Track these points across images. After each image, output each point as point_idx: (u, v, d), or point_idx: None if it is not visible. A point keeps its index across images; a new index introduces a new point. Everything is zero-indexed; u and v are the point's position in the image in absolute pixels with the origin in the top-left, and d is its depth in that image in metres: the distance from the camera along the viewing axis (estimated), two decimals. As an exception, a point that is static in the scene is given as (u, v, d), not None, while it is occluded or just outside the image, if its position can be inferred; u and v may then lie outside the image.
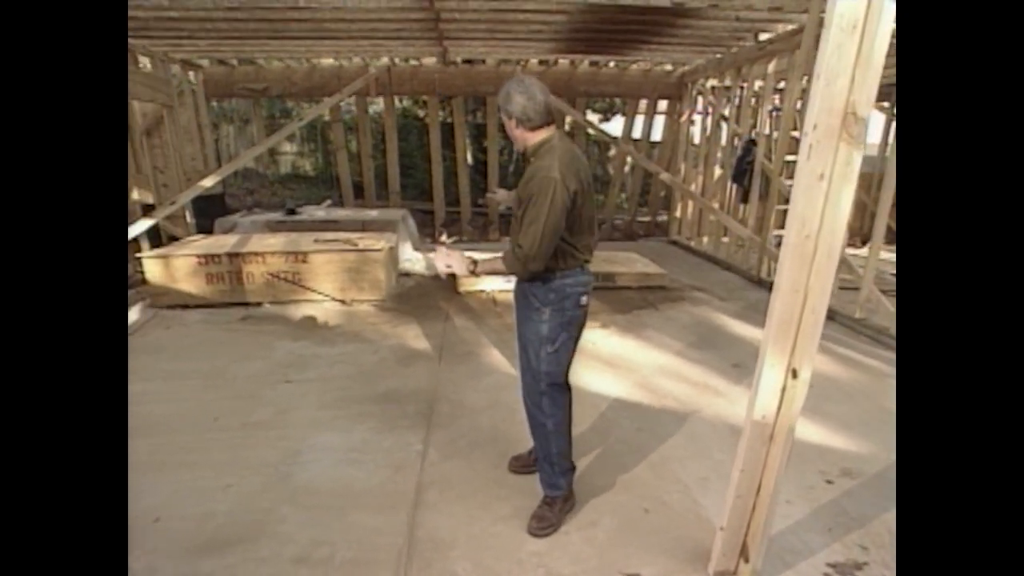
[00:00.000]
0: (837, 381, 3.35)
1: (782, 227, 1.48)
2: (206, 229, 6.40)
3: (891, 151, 6.37)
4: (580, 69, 7.99)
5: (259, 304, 4.78)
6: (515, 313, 2.06)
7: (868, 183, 7.59)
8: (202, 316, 4.52)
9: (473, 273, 1.96)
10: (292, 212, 6.76)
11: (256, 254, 4.73)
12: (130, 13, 4.88)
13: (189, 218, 6.67)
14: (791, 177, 4.87)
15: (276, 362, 3.58)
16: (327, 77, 7.68)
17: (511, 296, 2.12)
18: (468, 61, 7.83)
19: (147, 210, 5.59)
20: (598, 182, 11.27)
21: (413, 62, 7.78)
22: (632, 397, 3.14)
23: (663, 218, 9.15)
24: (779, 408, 1.55)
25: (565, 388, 2.05)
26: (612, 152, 11.35)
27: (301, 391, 3.17)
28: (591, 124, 8.19)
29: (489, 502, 2.19)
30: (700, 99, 7.69)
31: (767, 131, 6.09)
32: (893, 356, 3.73)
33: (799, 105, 5.26)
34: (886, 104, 7.57)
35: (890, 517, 2.12)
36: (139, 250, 5.30)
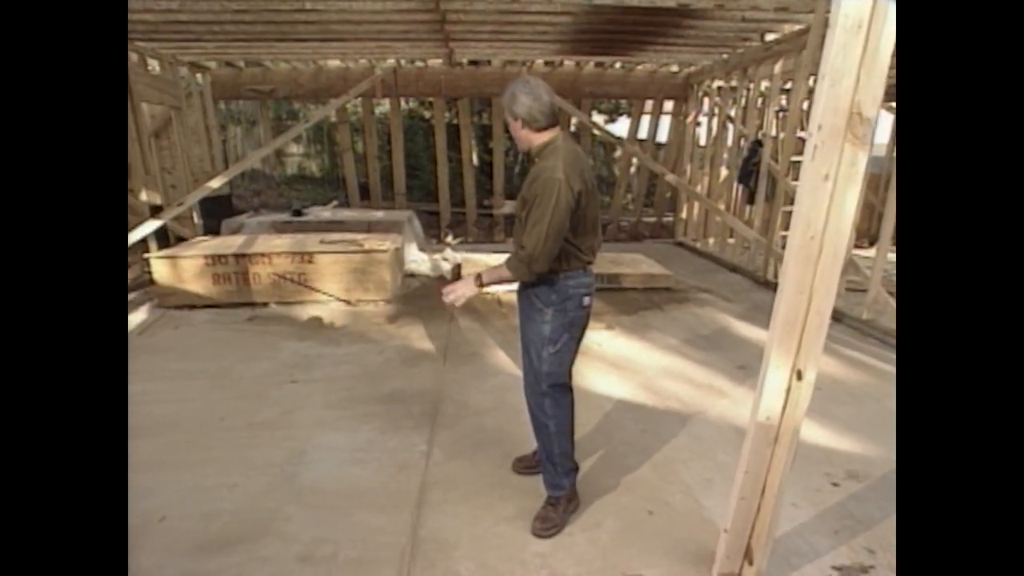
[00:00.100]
0: (844, 383, 3.33)
1: (788, 228, 1.47)
2: (213, 230, 6.45)
3: (899, 152, 6.32)
4: (585, 70, 7.99)
5: (265, 304, 4.80)
6: (518, 314, 2.06)
7: (876, 184, 7.54)
8: (209, 316, 4.55)
9: (481, 286, 1.95)
10: (298, 213, 6.80)
11: (262, 255, 4.76)
12: (140, 17, 4.94)
13: (196, 219, 6.72)
14: (797, 178, 4.85)
15: (282, 362, 3.60)
16: (333, 79, 7.73)
17: (516, 297, 2.12)
18: (474, 62, 7.85)
19: (155, 211, 5.64)
20: (603, 183, 11.26)
21: (419, 63, 7.81)
22: (636, 398, 3.13)
23: (669, 219, 9.13)
24: (784, 410, 1.54)
25: (567, 389, 2.05)
26: (618, 153, 11.34)
27: (307, 391, 3.18)
28: (596, 125, 8.20)
29: (493, 502, 2.19)
30: (706, 100, 7.67)
31: (773, 132, 6.06)
32: (900, 358, 3.70)
33: (805, 105, 5.24)
34: (894, 104, 7.52)
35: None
36: (147, 250, 5.35)
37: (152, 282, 4.76)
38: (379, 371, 3.46)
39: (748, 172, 6.18)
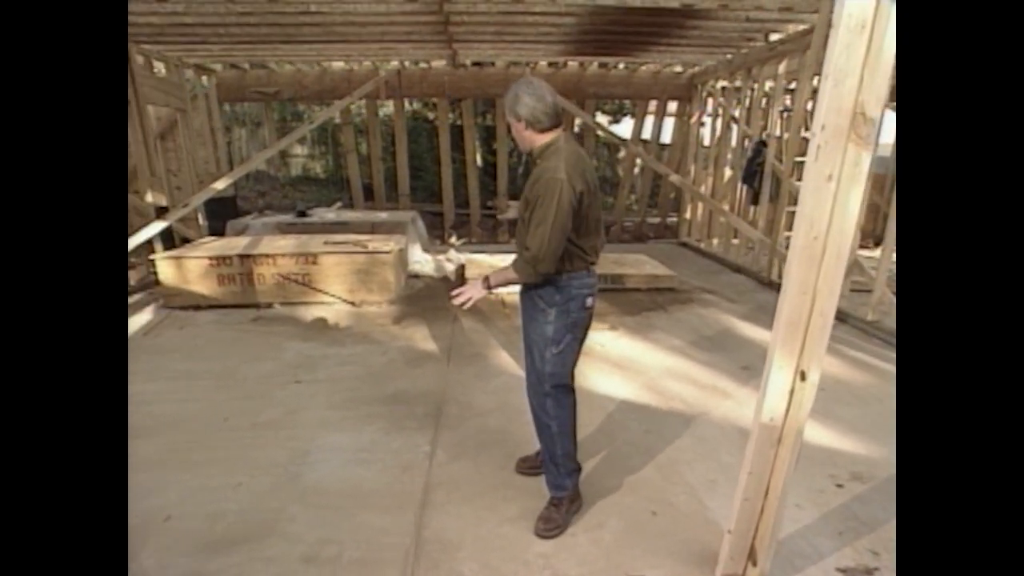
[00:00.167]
0: (848, 384, 3.32)
1: (792, 229, 1.47)
2: (218, 231, 6.48)
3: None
4: (589, 71, 7.99)
5: (270, 305, 4.82)
6: (521, 315, 2.06)
7: (881, 184, 7.51)
8: (214, 317, 4.57)
9: (488, 288, 1.95)
10: (303, 214, 6.82)
11: (267, 256, 4.78)
12: (146, 20, 4.98)
13: (201, 220, 6.76)
14: (802, 178, 4.84)
15: (286, 363, 3.61)
16: (338, 80, 7.76)
17: (518, 298, 2.12)
18: (477, 63, 7.86)
19: (161, 212, 5.67)
20: (607, 184, 11.26)
21: (423, 65, 7.83)
22: (640, 399, 3.13)
23: (673, 220, 9.12)
24: (787, 410, 1.54)
25: (569, 390, 2.05)
26: (622, 154, 11.33)
27: (310, 392, 3.19)
28: (600, 126, 8.19)
29: (496, 503, 2.19)
30: (710, 100, 7.66)
31: (778, 132, 6.04)
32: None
33: (810, 106, 5.22)
34: (899, 104, 7.48)
35: (902, 522, 2.10)
36: (152, 251, 5.38)
37: (157, 283, 4.79)
38: (383, 372, 3.47)
39: (752, 172, 6.17)
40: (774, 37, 5.79)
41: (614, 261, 5.79)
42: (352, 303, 4.89)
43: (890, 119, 6.35)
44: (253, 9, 4.75)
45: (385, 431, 2.74)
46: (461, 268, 5.73)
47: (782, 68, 5.78)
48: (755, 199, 6.32)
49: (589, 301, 1.96)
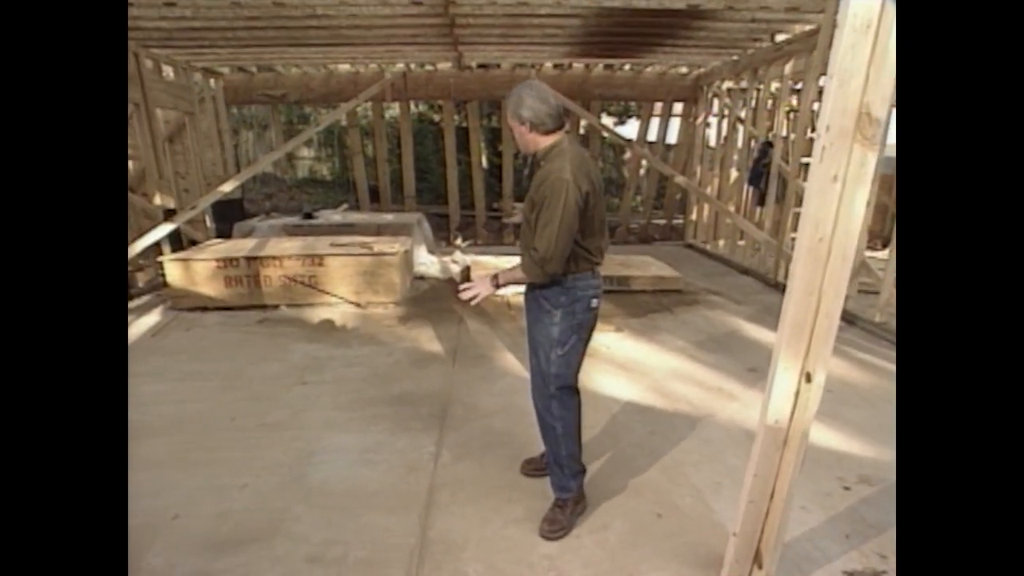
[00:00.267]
0: (856, 386, 3.29)
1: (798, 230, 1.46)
2: (225, 233, 6.52)
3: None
4: (594, 72, 7.99)
5: (276, 307, 4.85)
6: (526, 316, 2.06)
7: (890, 185, 7.46)
8: (220, 318, 4.60)
9: (496, 287, 1.95)
10: (309, 216, 6.86)
11: (273, 258, 4.80)
12: (155, 24, 5.03)
13: (209, 222, 6.81)
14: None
15: (292, 364, 3.63)
16: (344, 83, 7.80)
17: (523, 299, 2.12)
18: (483, 66, 7.88)
19: (168, 214, 5.72)
20: (613, 185, 11.25)
21: (428, 67, 7.85)
22: (645, 401, 3.12)
23: (679, 221, 9.10)
24: (793, 412, 1.53)
25: (575, 391, 2.05)
26: (627, 155, 11.31)
27: (316, 393, 3.21)
28: (606, 127, 8.19)
29: (501, 504, 2.20)
30: (716, 101, 7.64)
31: (784, 133, 6.02)
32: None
33: (816, 106, 5.20)
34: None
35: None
36: (160, 253, 5.43)
37: (165, 284, 4.82)
38: (388, 373, 3.48)
39: (758, 174, 6.15)
40: (780, 38, 5.77)
41: (620, 263, 5.78)
42: (358, 304, 4.91)
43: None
44: (260, 13, 4.79)
45: (390, 432, 2.75)
46: (466, 270, 5.72)
47: (788, 69, 5.76)
48: (761, 200, 6.29)
49: (594, 302, 1.96)
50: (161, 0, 4.42)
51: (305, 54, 6.60)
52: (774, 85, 6.17)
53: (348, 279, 4.89)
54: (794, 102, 6.38)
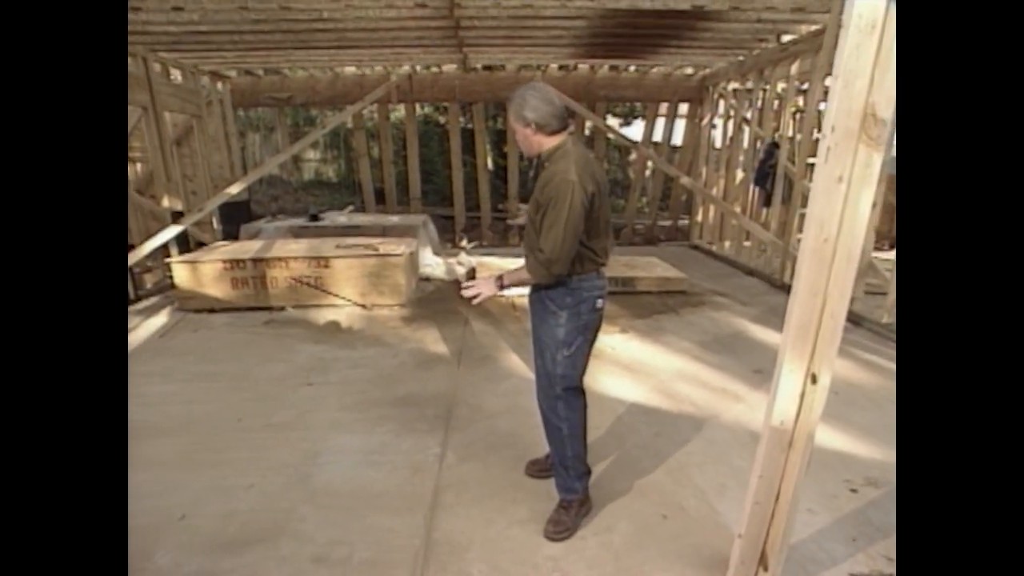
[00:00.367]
0: (863, 388, 3.27)
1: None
2: (232, 235, 6.57)
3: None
4: (600, 74, 7.99)
5: (282, 308, 4.87)
6: (531, 317, 2.06)
7: (896, 186, 7.41)
8: (227, 320, 4.63)
9: (501, 288, 1.95)
10: (315, 218, 6.89)
11: (280, 259, 4.83)
12: (163, 28, 5.08)
13: (216, 224, 6.85)
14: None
15: (298, 365, 3.65)
16: (350, 85, 7.83)
17: (528, 301, 2.12)
18: (488, 67, 7.90)
19: (176, 217, 5.76)
20: (618, 187, 11.24)
21: (434, 69, 7.88)
22: (650, 402, 3.11)
23: (684, 222, 9.07)
24: (798, 414, 1.52)
25: (580, 392, 2.05)
26: (633, 156, 11.31)
27: (322, 394, 3.22)
28: (611, 128, 8.19)
29: (505, 505, 2.20)
30: (721, 102, 7.62)
31: (790, 133, 6.00)
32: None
33: (822, 107, 5.18)
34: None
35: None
36: (168, 255, 5.47)
37: (173, 286, 4.86)
38: (394, 374, 3.49)
39: (764, 174, 6.12)
40: (786, 38, 5.76)
41: (625, 264, 5.78)
42: (363, 306, 4.92)
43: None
44: (266, 16, 4.83)
45: (395, 433, 2.76)
46: (472, 271, 5.74)
47: (794, 69, 5.73)
48: (767, 201, 6.27)
49: (599, 303, 1.96)
50: (169, 5, 4.46)
51: (311, 57, 6.63)
52: (780, 86, 6.15)
53: (354, 280, 4.91)
54: (800, 103, 6.35)
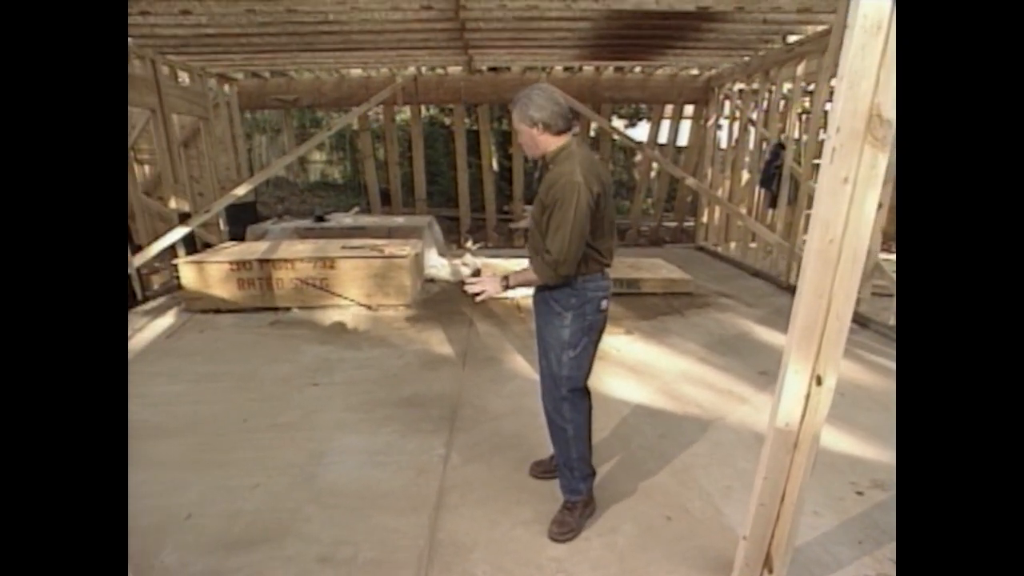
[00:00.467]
0: (869, 390, 3.25)
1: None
2: (238, 236, 6.60)
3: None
4: (605, 75, 7.99)
5: (288, 309, 4.89)
6: (535, 319, 2.07)
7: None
8: (233, 320, 4.66)
9: (506, 288, 1.95)
10: (321, 219, 6.92)
11: (285, 260, 4.85)
12: (171, 31, 5.13)
13: (222, 225, 6.89)
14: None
15: (304, 366, 3.66)
16: (355, 87, 7.86)
17: (531, 302, 2.12)
18: (493, 69, 7.91)
19: (183, 218, 5.80)
20: (624, 188, 11.22)
21: (439, 71, 7.90)
22: (655, 404, 3.11)
23: (689, 224, 9.05)
24: (803, 416, 1.52)
25: (586, 393, 2.05)
26: (638, 158, 11.29)
27: (327, 394, 3.23)
28: (616, 130, 8.18)
29: (510, 506, 2.20)
30: (727, 103, 7.60)
31: (796, 135, 5.97)
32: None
33: (828, 107, 5.15)
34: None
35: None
36: (175, 256, 5.51)
37: (180, 287, 4.89)
38: (399, 375, 3.50)
39: (770, 175, 6.10)
40: (792, 39, 5.74)
41: (630, 265, 5.77)
42: (369, 307, 4.94)
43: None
44: (273, 19, 4.85)
45: (400, 433, 2.77)
46: (477, 272, 5.76)
47: (800, 70, 5.71)
48: (773, 202, 6.24)
49: (604, 304, 1.96)
50: (177, 8, 4.49)
51: (317, 59, 6.67)
52: (786, 87, 6.13)
53: (359, 281, 4.92)
54: (806, 103, 6.33)
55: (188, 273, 4.81)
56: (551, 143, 1.87)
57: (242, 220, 6.85)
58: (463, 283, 2.03)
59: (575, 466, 2.05)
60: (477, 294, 1.96)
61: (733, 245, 7.42)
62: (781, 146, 5.98)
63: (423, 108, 9.36)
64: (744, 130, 7.06)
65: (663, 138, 8.69)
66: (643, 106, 10.77)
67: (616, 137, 8.46)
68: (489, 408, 3.05)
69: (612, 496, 2.24)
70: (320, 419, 2.93)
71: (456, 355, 3.84)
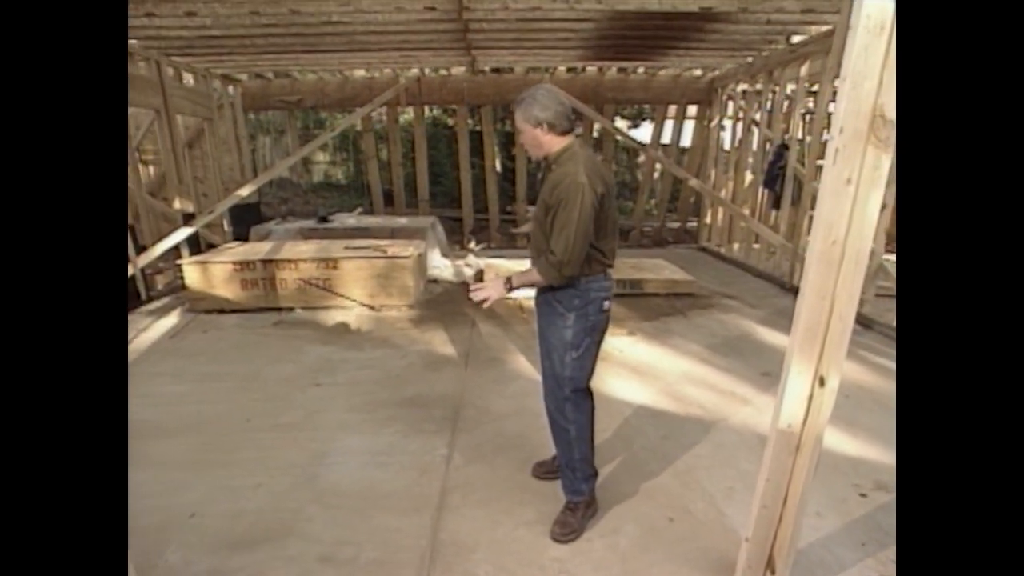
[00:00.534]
0: (873, 391, 3.24)
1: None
2: (242, 236, 6.62)
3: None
4: (608, 76, 7.99)
5: (291, 309, 4.91)
6: (537, 319, 2.07)
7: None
8: (237, 320, 4.67)
9: (510, 290, 1.95)
10: (324, 220, 6.94)
11: (289, 261, 4.87)
12: (176, 33, 5.15)
13: (227, 226, 6.92)
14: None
15: (307, 366, 3.67)
16: (359, 88, 7.89)
17: (534, 303, 2.12)
18: (496, 70, 7.92)
19: (188, 218, 5.82)
20: (627, 188, 11.22)
21: (442, 72, 7.91)
22: (658, 405, 3.10)
23: (693, 225, 9.03)
24: (806, 417, 1.51)
25: (588, 394, 2.05)
26: (641, 158, 11.28)
27: (330, 394, 3.24)
28: (619, 131, 8.18)
29: (512, 507, 2.20)
30: (730, 104, 7.59)
31: (799, 135, 5.96)
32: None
33: (831, 108, 5.14)
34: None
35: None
36: (179, 256, 5.53)
37: (184, 287, 4.91)
38: (401, 375, 3.50)
39: (774, 176, 6.09)
40: (796, 39, 5.73)
41: (633, 266, 5.76)
42: (372, 307, 4.95)
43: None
44: (277, 21, 4.87)
45: (403, 434, 2.77)
46: (480, 273, 5.75)
47: (804, 70, 5.70)
48: (776, 203, 6.23)
49: (606, 304, 1.96)
50: (182, 10, 4.52)
51: (321, 60, 6.69)
52: (789, 87, 6.12)
53: (362, 282, 4.93)
54: (810, 104, 6.31)
55: (192, 273, 4.83)
56: (555, 143, 1.88)
57: (246, 221, 6.87)
58: (468, 290, 2.02)
59: (577, 467, 2.05)
60: (482, 300, 1.96)
61: (736, 246, 7.41)
62: (785, 147, 5.96)
63: (426, 109, 9.38)
64: (747, 131, 7.05)
65: (666, 139, 8.68)
66: (646, 107, 10.76)
67: (619, 138, 8.46)
68: (492, 409, 3.05)
69: (614, 497, 2.24)
70: (323, 419, 2.93)
71: (459, 356, 3.84)
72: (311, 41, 5.62)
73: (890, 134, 1.30)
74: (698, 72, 7.88)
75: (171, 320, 4.70)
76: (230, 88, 7.53)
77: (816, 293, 1.41)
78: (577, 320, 1.92)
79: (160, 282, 5.84)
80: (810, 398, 1.49)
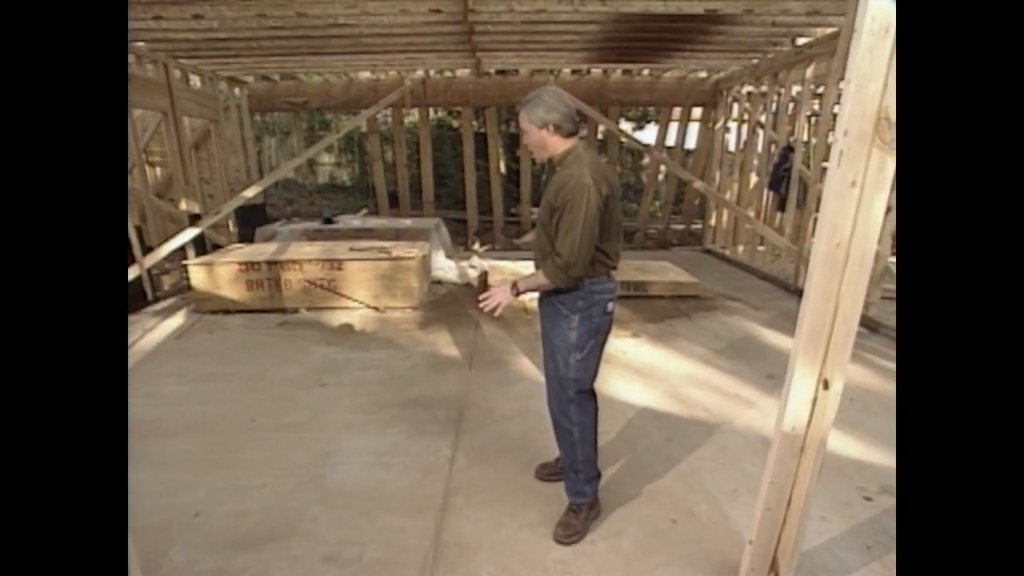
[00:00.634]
0: (878, 394, 3.23)
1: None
2: (248, 237, 6.66)
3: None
4: (612, 78, 7.99)
5: (296, 310, 4.93)
6: (541, 321, 2.07)
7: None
8: (242, 321, 4.70)
9: (517, 294, 1.94)
10: (329, 221, 6.96)
11: (294, 262, 4.89)
12: (183, 36, 5.19)
13: (232, 227, 6.96)
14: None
15: (311, 366, 3.68)
16: (364, 90, 7.92)
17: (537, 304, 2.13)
18: (501, 72, 7.94)
19: (194, 219, 5.86)
20: (631, 191, 11.20)
21: (447, 74, 7.93)
22: (661, 406, 3.10)
23: (697, 227, 9.01)
24: (810, 420, 1.51)
25: (592, 396, 2.05)
26: (646, 160, 11.27)
27: (335, 395, 3.25)
28: (624, 133, 8.17)
29: (515, 508, 2.20)
30: (735, 106, 7.57)
31: (804, 137, 5.94)
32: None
33: (837, 110, 5.13)
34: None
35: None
36: (185, 257, 5.56)
37: (189, 288, 4.94)
38: (406, 376, 3.51)
39: (779, 178, 6.07)
40: (801, 41, 5.71)
41: (637, 268, 5.76)
42: (376, 308, 4.96)
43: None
44: (283, 23, 4.90)
45: (407, 435, 2.78)
46: (484, 275, 5.76)
47: (809, 72, 5.69)
48: (782, 205, 6.21)
49: (610, 306, 1.96)
50: (190, 13, 4.55)
51: (326, 62, 6.72)
52: (795, 89, 6.10)
53: (367, 283, 4.95)
54: (816, 106, 6.29)
55: (198, 274, 4.86)
56: (559, 145, 1.88)
57: (251, 222, 6.91)
58: (476, 301, 2.02)
59: (581, 468, 2.05)
60: (492, 309, 1.95)
61: (741, 248, 7.39)
62: (790, 149, 5.95)
63: (431, 111, 9.40)
64: (752, 133, 7.03)
65: (671, 141, 8.67)
66: (651, 109, 10.75)
67: (624, 140, 8.46)
68: (495, 410, 3.06)
69: (618, 499, 2.24)
70: (327, 420, 2.94)
71: (463, 357, 3.85)
72: (317, 43, 5.65)
73: (895, 136, 1.30)
74: (703, 74, 7.87)
75: (177, 320, 4.73)
76: (236, 90, 7.58)
77: (820, 295, 1.41)
78: (581, 322, 1.92)
79: (166, 283, 5.87)
80: (814, 401, 1.49)
